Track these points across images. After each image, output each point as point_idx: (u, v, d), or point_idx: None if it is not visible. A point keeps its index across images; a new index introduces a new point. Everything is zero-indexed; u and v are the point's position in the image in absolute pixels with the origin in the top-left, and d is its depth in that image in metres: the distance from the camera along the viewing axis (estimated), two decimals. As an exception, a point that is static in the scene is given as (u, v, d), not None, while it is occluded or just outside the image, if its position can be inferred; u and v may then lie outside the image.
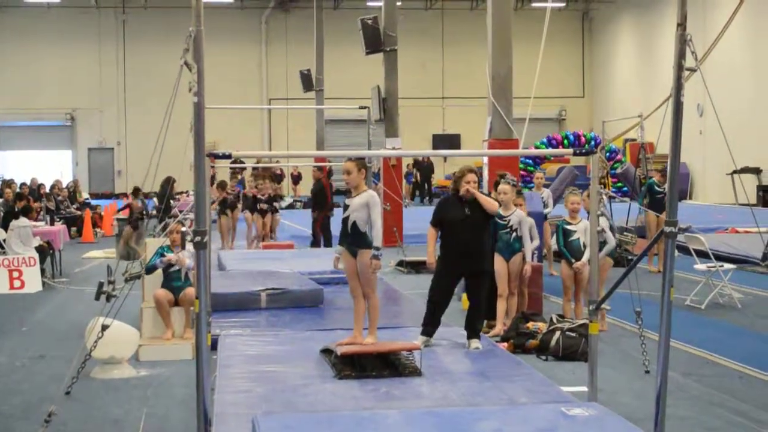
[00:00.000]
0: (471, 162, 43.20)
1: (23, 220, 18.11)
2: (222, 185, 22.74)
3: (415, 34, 47.51)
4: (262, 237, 22.38)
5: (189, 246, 11.72)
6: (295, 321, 12.32)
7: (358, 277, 9.44)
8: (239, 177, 25.15)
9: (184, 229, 12.22)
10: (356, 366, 8.93)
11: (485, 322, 12.55)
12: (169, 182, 22.56)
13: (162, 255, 11.94)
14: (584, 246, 12.27)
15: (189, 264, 11.75)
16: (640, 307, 10.02)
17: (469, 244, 10.43)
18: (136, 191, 25.20)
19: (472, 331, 10.46)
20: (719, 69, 35.99)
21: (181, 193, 30.83)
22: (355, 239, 9.37)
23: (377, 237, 9.30)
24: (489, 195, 13.12)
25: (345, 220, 9.43)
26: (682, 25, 6.64)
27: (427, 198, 43.94)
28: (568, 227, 12.49)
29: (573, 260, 12.36)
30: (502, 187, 12.49)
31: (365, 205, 9.32)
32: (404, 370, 8.96)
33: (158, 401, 9.37)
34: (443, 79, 51.45)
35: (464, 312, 13.83)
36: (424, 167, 44.71)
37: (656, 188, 18.60)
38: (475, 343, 10.25)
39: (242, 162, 30.93)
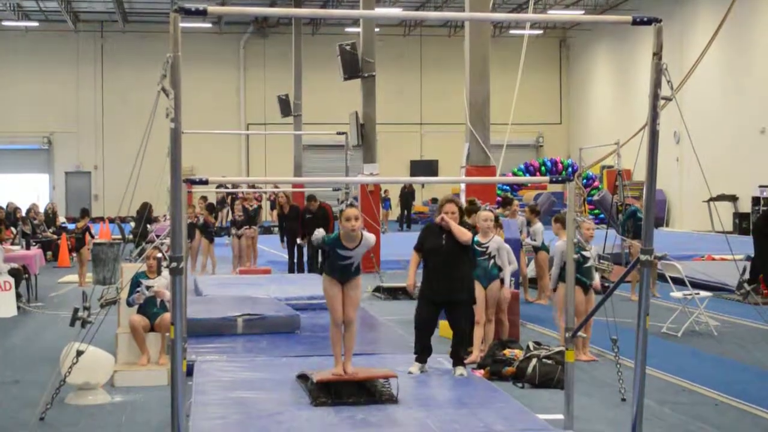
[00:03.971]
0: (449, 188, 43.39)
1: (-6, 244, 17.97)
2: (210, 209, 23.02)
3: (393, 60, 47.72)
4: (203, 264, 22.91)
5: (165, 272, 11.66)
6: (272, 347, 12.29)
7: (343, 304, 9.35)
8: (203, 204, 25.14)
9: (159, 255, 12.16)
10: (332, 393, 8.89)
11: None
12: (146, 207, 22.55)
13: (138, 283, 11.86)
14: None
15: (167, 295, 11.69)
16: (616, 334, 10.04)
17: (445, 274, 10.42)
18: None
19: (456, 359, 10.45)
20: (696, 96, 36.27)
21: (161, 216, 30.73)
22: (352, 275, 9.35)
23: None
24: (465, 223, 13.17)
25: (347, 266, 9.29)
26: (657, 54, 6.68)
27: (406, 224, 43.93)
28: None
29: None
30: (483, 213, 12.51)
31: (366, 248, 9.34)
32: (380, 397, 8.92)
33: (133, 427, 9.30)
34: (421, 105, 51.59)
35: (441, 339, 13.86)
36: (405, 193, 44.75)
37: (639, 215, 18.67)
38: (459, 370, 10.24)
39: (227, 187, 30.78)
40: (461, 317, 10.72)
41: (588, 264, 12.42)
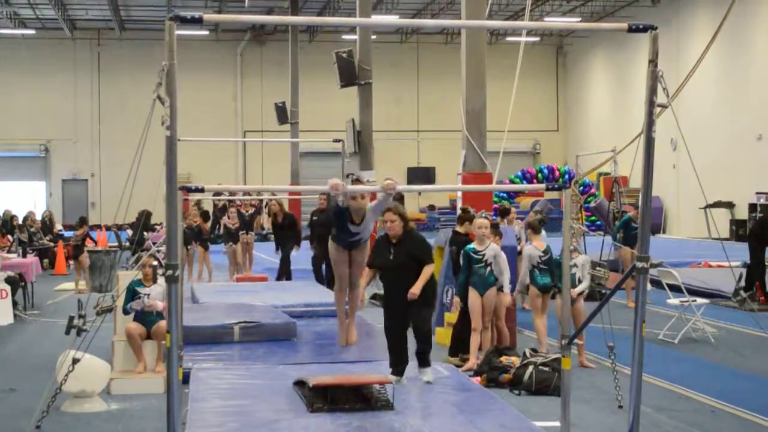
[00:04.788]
0: (445, 195, 43.38)
1: (-10, 251, 17.93)
2: (204, 216, 22.97)
3: (389, 68, 47.69)
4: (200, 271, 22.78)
5: (161, 280, 11.65)
6: (268, 354, 12.28)
7: (349, 268, 9.49)
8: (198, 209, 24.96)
9: (155, 263, 12.15)
10: (328, 399, 8.89)
11: (459, 355, 12.58)
12: (143, 215, 22.49)
13: (134, 291, 11.86)
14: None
15: (160, 307, 11.68)
16: (613, 341, 10.04)
17: (399, 285, 10.24)
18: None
19: (422, 361, 10.46)
20: (692, 103, 36.29)
21: (158, 224, 30.69)
22: (359, 245, 9.57)
23: None
24: (456, 233, 13.26)
25: (355, 242, 9.58)
26: (653, 61, 6.68)
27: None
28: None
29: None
30: (478, 221, 12.52)
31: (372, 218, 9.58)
32: (377, 403, 8.93)
33: (129, 436, 9.30)
34: (418, 112, 51.58)
35: (436, 345, 13.85)
36: (395, 199, 44.54)
37: (632, 224, 18.70)
38: (426, 376, 10.23)
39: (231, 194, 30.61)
40: (421, 319, 10.55)
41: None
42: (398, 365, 10.38)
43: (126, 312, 11.87)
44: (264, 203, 29.32)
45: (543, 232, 17.69)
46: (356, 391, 9.20)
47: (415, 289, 10.11)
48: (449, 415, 8.78)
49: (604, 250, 21.43)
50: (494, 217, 14.71)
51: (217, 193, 24.27)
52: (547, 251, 12.91)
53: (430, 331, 10.81)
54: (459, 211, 14.62)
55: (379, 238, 10.60)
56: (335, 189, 8.20)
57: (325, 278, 19.67)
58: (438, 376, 10.49)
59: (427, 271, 10.25)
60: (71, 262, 26.69)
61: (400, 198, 45.26)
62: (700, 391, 11.04)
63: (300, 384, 9.50)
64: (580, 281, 12.70)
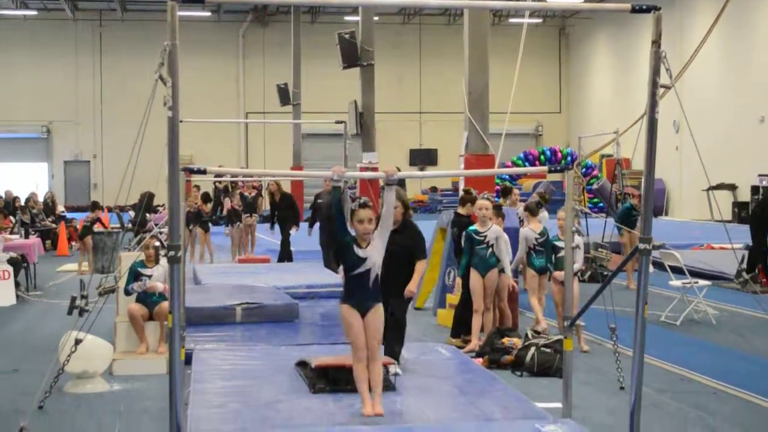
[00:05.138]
0: (448, 179, 43.29)
1: (-9, 232, 17.91)
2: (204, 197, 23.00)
3: (392, 49, 47.62)
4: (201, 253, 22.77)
5: (163, 261, 11.65)
6: (271, 335, 12.30)
7: (365, 335, 8.08)
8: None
9: (157, 243, 12.16)
10: (330, 379, 8.87)
11: (461, 336, 12.59)
12: (145, 196, 22.52)
13: (137, 273, 11.88)
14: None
15: (160, 288, 11.69)
16: (615, 323, 10.04)
17: (385, 277, 8.82)
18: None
19: (390, 353, 9.66)
20: (695, 85, 36.24)
21: (161, 205, 30.71)
22: (371, 298, 8.13)
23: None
24: (458, 214, 13.23)
25: (364, 276, 8.05)
26: (656, 42, 6.65)
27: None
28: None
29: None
30: (480, 202, 12.52)
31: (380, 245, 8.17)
32: None
33: (132, 416, 9.31)
34: (420, 94, 51.49)
35: (438, 327, 13.91)
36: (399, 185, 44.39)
37: (633, 212, 18.68)
38: (393, 368, 9.19)
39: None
40: (399, 307, 9.93)
41: (560, 254, 12.46)
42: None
43: (127, 293, 11.88)
44: (266, 185, 29.38)
45: (545, 213, 17.70)
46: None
47: (412, 287, 9.82)
48: (451, 396, 8.78)
49: (606, 232, 21.42)
50: (496, 199, 14.67)
51: (218, 176, 24.24)
52: (543, 233, 12.94)
53: (403, 320, 10.12)
54: (461, 193, 14.61)
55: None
56: (338, 173, 7.95)
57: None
58: (440, 357, 10.48)
59: (419, 268, 9.92)
60: (74, 243, 26.72)
61: (401, 182, 45.20)
62: (702, 372, 11.05)
63: (302, 365, 9.50)
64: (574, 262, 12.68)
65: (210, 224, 23.80)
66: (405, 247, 9.81)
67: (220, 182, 28.13)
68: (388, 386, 8.80)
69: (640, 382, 6.92)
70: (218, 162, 39.31)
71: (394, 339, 9.80)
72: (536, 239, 12.92)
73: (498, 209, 13.11)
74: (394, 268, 9.36)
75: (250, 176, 24.84)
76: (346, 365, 8.93)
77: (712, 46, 32.87)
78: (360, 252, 8.02)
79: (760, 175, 34.25)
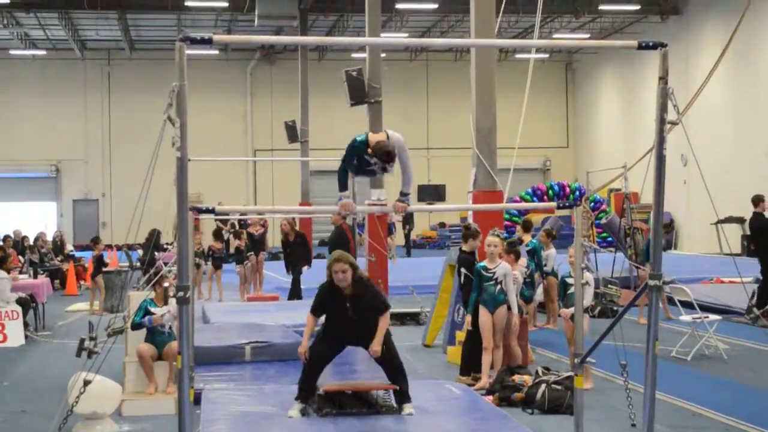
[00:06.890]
0: (456, 213, 43.23)
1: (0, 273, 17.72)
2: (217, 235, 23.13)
3: (399, 85, 47.77)
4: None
5: (172, 301, 11.64)
6: (280, 374, 12.24)
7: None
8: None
9: (166, 284, 12.13)
10: (337, 404, 9.03)
11: (471, 374, 12.54)
12: (154, 234, 22.46)
13: (147, 311, 11.86)
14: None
15: (167, 320, 11.66)
16: (625, 359, 9.99)
17: (355, 343, 9.59)
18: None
19: (400, 394, 9.56)
20: (702, 119, 36.24)
21: (169, 243, 30.69)
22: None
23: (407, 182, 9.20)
24: (462, 251, 13.17)
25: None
26: (663, 78, 6.67)
27: (406, 249, 43.09)
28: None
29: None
30: (489, 239, 12.49)
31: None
32: (381, 408, 9.25)
33: (141, 457, 9.28)
34: (428, 130, 51.58)
35: (448, 365, 13.84)
36: (403, 217, 44.11)
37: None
38: (407, 409, 9.37)
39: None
40: (391, 354, 9.68)
41: (570, 291, 12.42)
42: (310, 392, 9.65)
43: (134, 328, 11.82)
44: (272, 222, 29.40)
45: (553, 250, 17.67)
46: (362, 397, 9.53)
47: (376, 346, 9.33)
48: (462, 435, 8.75)
49: (615, 267, 21.38)
50: (506, 236, 14.61)
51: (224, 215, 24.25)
52: (527, 265, 13.10)
53: (400, 362, 9.76)
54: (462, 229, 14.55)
55: (325, 286, 9.57)
56: (346, 209, 8.02)
57: None
58: (451, 395, 10.43)
59: (383, 325, 9.39)
60: (82, 282, 26.73)
61: (409, 216, 44.90)
62: (713, 408, 10.98)
63: (310, 390, 9.57)
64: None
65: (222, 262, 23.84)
66: (369, 309, 9.44)
67: (225, 222, 28.08)
68: (391, 409, 8.89)
69: (651, 419, 6.89)
70: (227, 199, 39.36)
71: (397, 378, 9.59)
72: (524, 273, 13.10)
73: (512, 246, 13.12)
74: (365, 334, 9.38)
75: (260, 213, 24.81)
76: (354, 390, 9.03)
77: (718, 80, 32.88)
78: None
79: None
